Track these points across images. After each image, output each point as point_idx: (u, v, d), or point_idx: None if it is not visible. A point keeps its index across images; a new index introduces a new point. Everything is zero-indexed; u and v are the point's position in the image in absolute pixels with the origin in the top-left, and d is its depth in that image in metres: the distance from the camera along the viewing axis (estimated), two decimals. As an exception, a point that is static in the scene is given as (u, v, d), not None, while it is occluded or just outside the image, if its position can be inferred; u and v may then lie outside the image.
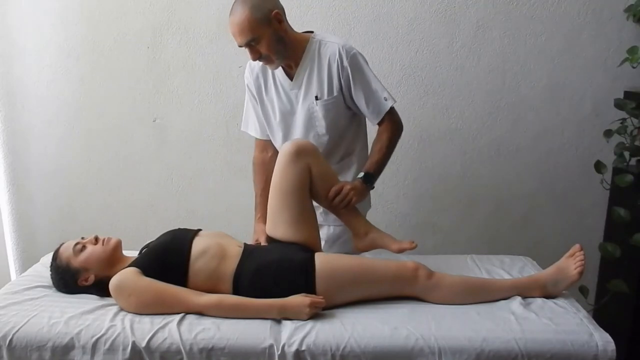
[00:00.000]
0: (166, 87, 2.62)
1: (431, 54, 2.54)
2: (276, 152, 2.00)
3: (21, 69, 2.61)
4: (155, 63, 2.59)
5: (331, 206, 1.88)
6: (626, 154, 2.23)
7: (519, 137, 2.62)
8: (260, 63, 1.93)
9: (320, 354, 1.51)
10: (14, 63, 2.60)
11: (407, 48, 2.54)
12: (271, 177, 1.88)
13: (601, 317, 2.13)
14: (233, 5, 1.80)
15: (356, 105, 1.95)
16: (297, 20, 2.49)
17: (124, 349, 1.51)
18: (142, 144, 2.68)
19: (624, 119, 2.26)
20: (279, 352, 1.50)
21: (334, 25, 2.51)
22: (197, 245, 1.74)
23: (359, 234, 1.90)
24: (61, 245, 1.82)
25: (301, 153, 1.81)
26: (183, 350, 1.51)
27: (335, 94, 1.92)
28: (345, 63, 1.88)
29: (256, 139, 2.14)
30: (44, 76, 2.62)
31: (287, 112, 1.99)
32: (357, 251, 1.93)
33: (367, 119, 2.04)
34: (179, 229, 1.89)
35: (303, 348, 1.51)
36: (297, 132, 1.99)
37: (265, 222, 1.96)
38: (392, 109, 1.97)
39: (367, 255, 1.99)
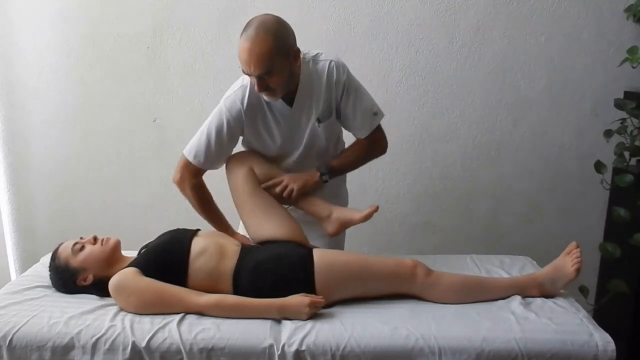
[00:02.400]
0: (166, 87, 2.62)
1: (431, 54, 2.54)
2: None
3: (21, 69, 2.61)
4: (155, 63, 2.59)
5: (284, 201, 1.89)
6: (626, 154, 2.23)
7: (519, 137, 2.62)
8: (249, 92, 1.82)
9: (320, 354, 1.51)
10: (14, 63, 2.60)
11: (407, 48, 2.54)
12: (206, 199, 1.97)
13: (601, 317, 2.13)
14: (250, 28, 1.67)
15: (345, 118, 1.92)
16: (297, 20, 2.49)
17: (124, 349, 1.51)
18: (142, 144, 2.68)
19: (624, 119, 2.26)
20: (279, 352, 1.50)
21: (334, 25, 2.51)
22: (196, 244, 1.75)
23: (323, 218, 1.89)
24: (60, 245, 1.82)
25: (239, 159, 1.90)
26: (183, 350, 1.51)
27: (333, 113, 1.90)
28: (341, 80, 1.84)
29: (192, 165, 1.89)
30: (44, 76, 2.61)
31: (288, 138, 1.91)
32: (330, 236, 1.91)
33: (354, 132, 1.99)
34: (178, 229, 1.90)
35: (303, 348, 1.51)
36: (298, 152, 1.94)
37: (238, 232, 2.00)
38: (379, 126, 1.96)
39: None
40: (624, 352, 1.83)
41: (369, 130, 1.93)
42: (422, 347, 1.52)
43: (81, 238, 1.81)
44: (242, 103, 1.83)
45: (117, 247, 1.80)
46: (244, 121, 1.85)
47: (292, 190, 1.87)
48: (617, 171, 2.28)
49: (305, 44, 2.52)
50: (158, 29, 2.55)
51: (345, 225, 1.89)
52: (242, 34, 1.69)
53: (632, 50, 2.22)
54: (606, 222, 2.61)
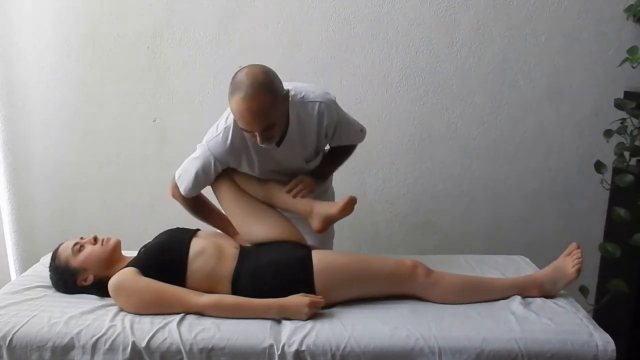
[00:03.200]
0: (166, 87, 2.61)
1: (431, 54, 2.54)
2: None
3: (21, 69, 2.61)
4: (155, 63, 2.59)
5: (272, 203, 1.92)
6: (626, 154, 2.23)
7: (519, 137, 2.62)
8: (232, 134, 1.81)
9: (320, 354, 1.51)
10: (14, 63, 2.60)
11: (407, 48, 2.54)
12: (200, 204, 2.01)
13: (601, 317, 2.13)
14: (244, 87, 1.63)
15: (332, 142, 1.97)
16: (297, 20, 2.51)
17: (124, 349, 1.51)
18: (142, 144, 2.68)
19: (624, 119, 2.26)
20: (279, 352, 1.50)
21: (334, 25, 2.51)
22: (195, 245, 1.75)
23: (307, 215, 1.87)
24: (60, 245, 1.82)
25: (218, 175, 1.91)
26: (183, 350, 1.51)
27: (320, 152, 1.94)
28: (332, 121, 1.86)
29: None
30: (44, 76, 2.61)
31: (270, 171, 1.93)
32: (317, 233, 1.89)
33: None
34: (177, 228, 1.91)
35: (303, 348, 1.51)
36: (282, 179, 1.96)
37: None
38: None
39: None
40: (624, 352, 1.83)
41: (357, 143, 2.05)
42: (422, 347, 1.52)
43: (81, 238, 1.81)
44: (225, 145, 1.83)
45: (117, 247, 1.80)
46: (228, 160, 1.88)
47: (299, 192, 1.89)
48: (617, 171, 2.28)
49: (306, 44, 2.54)
50: (158, 29, 2.55)
51: (328, 220, 1.85)
52: (234, 93, 1.64)
53: (632, 50, 2.22)
54: (606, 222, 2.61)
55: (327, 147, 2.03)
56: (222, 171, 1.91)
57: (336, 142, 1.97)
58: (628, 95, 2.45)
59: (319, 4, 2.50)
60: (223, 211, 1.96)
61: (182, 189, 1.92)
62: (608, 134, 2.28)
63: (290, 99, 1.76)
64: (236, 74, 1.67)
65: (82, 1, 2.53)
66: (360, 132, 2.00)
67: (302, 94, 1.83)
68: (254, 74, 1.64)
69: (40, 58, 2.59)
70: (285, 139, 1.83)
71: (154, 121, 2.66)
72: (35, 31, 2.57)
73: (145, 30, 2.55)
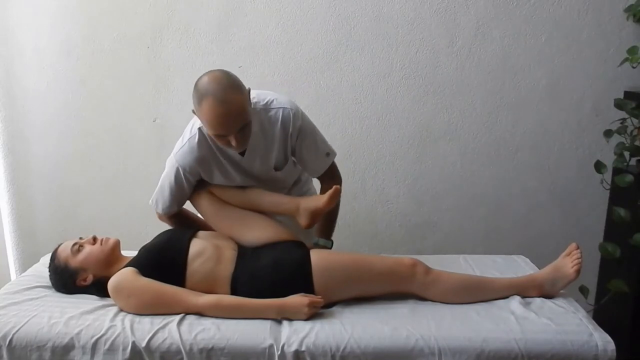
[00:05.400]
0: (166, 87, 2.61)
1: (431, 54, 2.54)
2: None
3: (21, 69, 2.61)
4: (155, 63, 2.59)
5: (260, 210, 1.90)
6: (626, 154, 2.23)
7: (519, 137, 2.62)
8: (198, 143, 1.81)
9: (320, 355, 1.51)
10: (14, 63, 2.60)
11: (407, 48, 2.54)
12: (184, 222, 1.99)
13: (601, 317, 2.13)
14: (214, 92, 1.60)
15: (298, 159, 1.93)
16: (297, 20, 2.51)
17: (124, 349, 1.51)
18: (142, 144, 2.68)
19: (624, 119, 2.26)
20: (279, 353, 1.50)
21: (334, 25, 2.51)
22: (194, 245, 1.75)
23: (294, 213, 1.85)
24: (59, 245, 1.82)
25: (196, 189, 1.91)
26: (183, 351, 1.51)
27: (289, 159, 1.91)
28: (296, 127, 1.83)
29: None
30: (44, 76, 2.61)
31: (245, 179, 1.91)
32: (306, 228, 1.87)
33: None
34: (176, 228, 1.90)
35: (303, 348, 1.51)
36: (263, 186, 1.94)
37: None
38: (332, 162, 1.97)
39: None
40: (624, 352, 1.83)
41: (322, 171, 1.95)
42: (422, 347, 1.52)
43: (80, 238, 1.81)
44: (192, 154, 1.82)
45: (116, 247, 1.80)
46: (198, 170, 1.86)
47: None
48: (617, 171, 2.28)
49: (305, 44, 2.54)
50: (158, 29, 2.55)
51: (316, 214, 1.82)
52: (203, 102, 1.61)
53: (632, 50, 2.22)
54: (606, 222, 2.61)
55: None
56: (199, 187, 1.90)
57: (298, 153, 1.89)
58: (628, 95, 2.45)
59: (319, 4, 2.50)
60: (213, 225, 1.93)
61: (160, 209, 1.93)
62: (608, 134, 2.29)
63: (252, 106, 1.74)
64: (197, 84, 1.65)
65: (82, 1, 2.53)
66: (327, 156, 1.92)
67: (266, 100, 1.82)
68: (217, 78, 1.63)
69: (40, 58, 2.59)
70: (248, 147, 1.80)
71: (154, 121, 2.66)
72: (35, 31, 2.57)
73: (145, 30, 2.55)
